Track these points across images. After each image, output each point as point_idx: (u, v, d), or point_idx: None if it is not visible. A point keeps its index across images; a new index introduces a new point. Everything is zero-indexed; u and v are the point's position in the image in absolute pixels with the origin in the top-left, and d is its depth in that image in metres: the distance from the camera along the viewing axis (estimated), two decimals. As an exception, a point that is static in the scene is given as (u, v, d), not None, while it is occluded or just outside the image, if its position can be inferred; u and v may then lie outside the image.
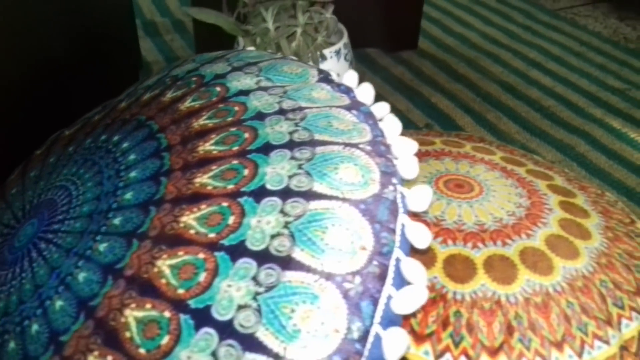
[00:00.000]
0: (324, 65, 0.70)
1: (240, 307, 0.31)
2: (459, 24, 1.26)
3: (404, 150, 0.40)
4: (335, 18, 0.72)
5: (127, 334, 0.31)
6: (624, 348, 0.43)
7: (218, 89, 0.42)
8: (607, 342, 0.43)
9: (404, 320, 0.42)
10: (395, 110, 0.96)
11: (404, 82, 1.04)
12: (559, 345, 0.42)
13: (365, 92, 0.45)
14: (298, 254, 0.32)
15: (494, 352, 0.41)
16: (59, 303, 0.34)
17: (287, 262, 0.32)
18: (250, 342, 0.30)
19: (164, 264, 0.33)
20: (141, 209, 0.36)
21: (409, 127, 0.91)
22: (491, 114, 0.96)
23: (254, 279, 0.31)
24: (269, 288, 0.31)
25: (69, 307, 0.34)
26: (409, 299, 0.33)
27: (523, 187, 0.53)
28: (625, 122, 0.95)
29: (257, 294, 0.31)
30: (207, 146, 0.38)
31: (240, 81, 0.43)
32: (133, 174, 0.38)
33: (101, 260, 0.34)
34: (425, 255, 0.46)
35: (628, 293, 0.46)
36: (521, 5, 1.37)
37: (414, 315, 0.42)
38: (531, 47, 1.18)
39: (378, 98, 0.99)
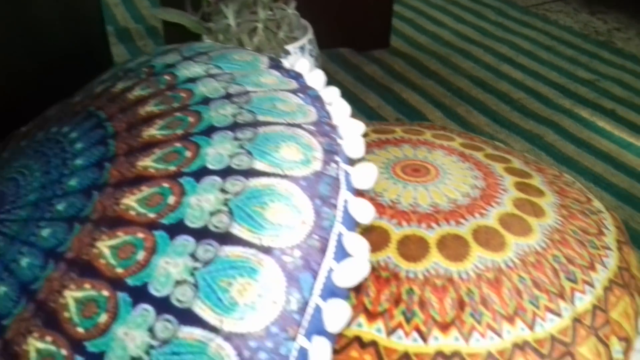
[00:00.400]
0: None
1: (177, 283, 0.31)
2: (432, 23, 1.27)
3: (351, 131, 0.40)
4: (297, 14, 0.73)
5: (66, 314, 0.31)
6: (577, 320, 0.44)
7: (167, 77, 0.43)
8: (559, 315, 0.43)
9: (357, 301, 0.43)
10: (366, 107, 0.97)
11: (375, 79, 1.05)
12: (510, 319, 0.42)
13: (316, 78, 0.45)
14: (237, 230, 0.32)
15: (445, 326, 0.42)
16: (2, 289, 0.34)
17: (225, 238, 0.32)
18: (187, 316, 0.30)
19: (104, 245, 0.33)
20: (84, 194, 0.36)
21: (380, 123, 0.92)
22: (462, 108, 0.97)
23: (192, 255, 0.32)
24: (207, 263, 0.31)
25: (12, 292, 0.34)
26: (350, 272, 0.34)
27: (479, 169, 0.54)
28: (594, 112, 0.96)
29: (195, 269, 0.31)
30: (152, 131, 0.38)
31: (189, 69, 0.43)
32: (79, 161, 0.38)
33: (44, 245, 0.35)
34: (379, 237, 0.46)
35: (581, 267, 0.46)
36: (493, 3, 1.39)
37: (359, 289, 0.43)
38: (502, 43, 1.19)
39: (349, 95, 1.00)
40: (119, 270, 0.32)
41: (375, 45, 1.15)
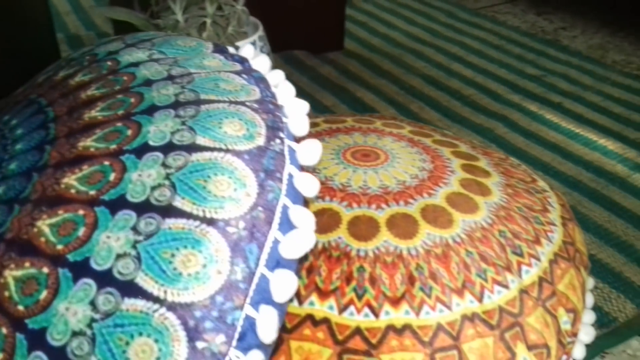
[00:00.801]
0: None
1: (119, 256, 0.31)
2: (384, 26, 1.29)
3: (295, 110, 0.41)
4: (246, 10, 0.73)
5: (6, 294, 0.31)
6: (524, 292, 0.45)
7: (109, 63, 0.43)
8: (506, 287, 0.44)
9: (309, 280, 0.43)
10: (322, 105, 0.97)
11: (330, 80, 1.06)
12: (459, 292, 0.43)
13: (261, 63, 0.46)
14: (179, 202, 0.32)
15: (396, 301, 0.42)
16: (-62, 274, 0.33)
17: (167, 211, 0.32)
18: (129, 288, 0.30)
19: (44, 224, 0.32)
20: (24, 177, 0.35)
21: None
22: (414, 105, 0.99)
23: (134, 228, 0.31)
24: (149, 236, 0.31)
25: (-52, 277, 0.33)
26: (296, 243, 0.34)
27: (427, 153, 0.55)
28: (541, 105, 0.99)
29: (137, 242, 0.31)
30: (93, 113, 0.38)
31: (132, 55, 0.43)
32: (19, 146, 0.38)
33: (-18, 229, 0.34)
34: (330, 219, 0.46)
35: (527, 242, 0.48)
36: (443, 6, 1.42)
37: (311, 269, 0.43)
38: (453, 44, 1.22)
39: (305, 95, 1.00)
40: (59, 247, 0.31)
41: (329, 48, 1.17)
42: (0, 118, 0.42)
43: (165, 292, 0.30)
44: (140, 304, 0.29)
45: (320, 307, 0.42)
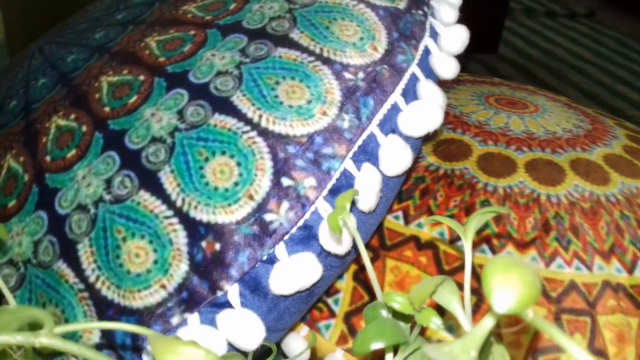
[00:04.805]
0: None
1: (220, 73, 0.27)
2: (545, 40, 1.20)
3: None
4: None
5: (97, 95, 0.28)
6: (689, 279, 0.35)
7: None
8: (668, 264, 0.35)
9: (421, 202, 0.37)
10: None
11: (477, 78, 0.99)
12: (605, 255, 0.35)
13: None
14: (296, 35, 0.28)
15: (523, 245, 0.35)
16: (42, 80, 0.32)
17: (281, 40, 0.28)
18: (223, 105, 0.26)
19: (152, 40, 0.30)
20: (147, 5, 0.33)
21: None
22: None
23: (242, 50, 0.28)
24: (256, 60, 0.27)
25: (50, 82, 0.31)
26: (418, 116, 0.28)
27: (587, 117, 0.47)
28: None
29: (242, 63, 0.27)
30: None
31: None
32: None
33: (94, 44, 0.32)
34: (458, 149, 0.40)
35: (702, 226, 0.38)
36: (615, 34, 1.30)
37: (426, 191, 0.37)
38: (620, 67, 1.10)
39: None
40: (162, 59, 0.28)
41: (483, 50, 1.11)
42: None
43: (260, 116, 0.26)
44: (230, 122, 0.25)
45: (429, 231, 0.36)
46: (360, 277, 0.36)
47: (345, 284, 0.36)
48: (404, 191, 0.38)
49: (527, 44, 1.18)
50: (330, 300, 0.36)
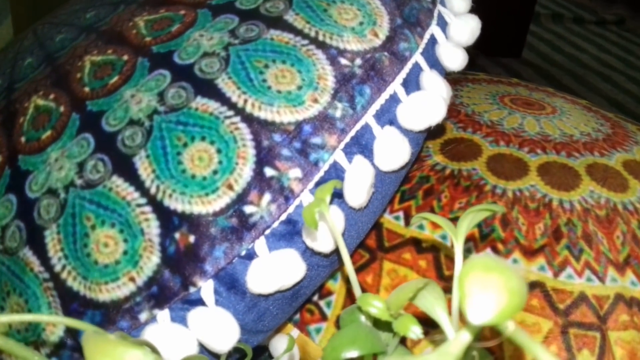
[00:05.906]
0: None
1: (206, 54, 0.25)
2: (570, 46, 1.17)
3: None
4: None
5: (78, 75, 0.27)
6: None
7: None
8: (688, 280, 0.32)
9: (424, 202, 0.35)
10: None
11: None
12: (619, 267, 0.32)
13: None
14: (291, 17, 0.26)
15: (531, 252, 0.32)
16: (28, 60, 0.30)
17: (274, 22, 0.26)
18: (206, 87, 0.24)
19: (141, 19, 0.28)
20: (141, -15, 0.32)
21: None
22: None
23: (232, 31, 0.26)
24: (245, 41, 0.25)
25: (35, 61, 0.30)
26: (419, 108, 0.26)
27: (607, 121, 0.44)
28: None
29: (230, 44, 0.25)
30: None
31: None
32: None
33: (83, 24, 0.30)
34: (468, 149, 0.38)
35: None
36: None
37: (430, 191, 0.35)
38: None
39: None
40: (148, 39, 0.27)
41: (507, 54, 1.08)
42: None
43: (245, 100, 0.24)
44: (212, 105, 0.24)
45: (429, 233, 0.33)
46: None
47: (339, 286, 0.34)
48: (406, 190, 0.36)
49: (553, 50, 1.14)
50: (322, 303, 0.34)
